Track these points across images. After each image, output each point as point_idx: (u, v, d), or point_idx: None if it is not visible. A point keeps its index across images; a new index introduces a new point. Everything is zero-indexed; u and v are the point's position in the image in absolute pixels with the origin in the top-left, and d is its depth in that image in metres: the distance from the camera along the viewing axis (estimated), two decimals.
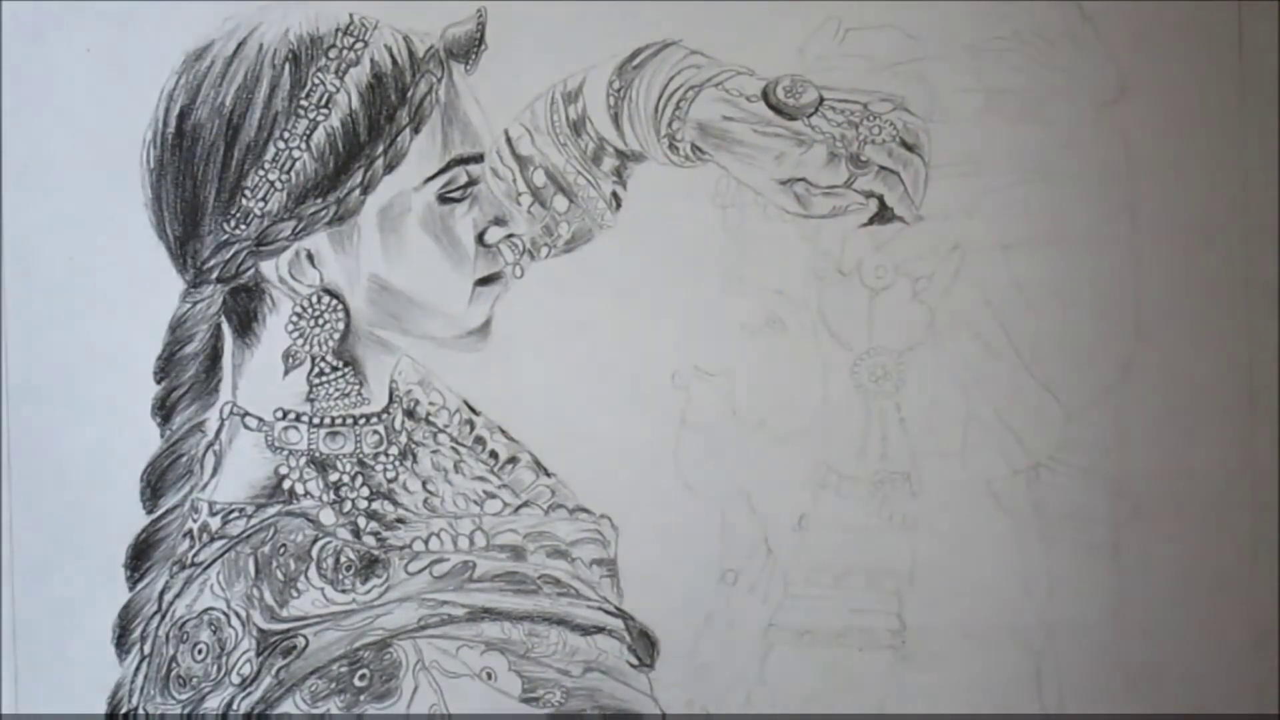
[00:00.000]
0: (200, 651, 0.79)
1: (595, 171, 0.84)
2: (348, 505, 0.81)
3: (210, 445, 0.82)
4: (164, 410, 0.82)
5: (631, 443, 0.83)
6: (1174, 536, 0.86)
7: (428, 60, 0.80)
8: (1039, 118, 0.84)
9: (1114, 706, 0.85)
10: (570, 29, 0.84)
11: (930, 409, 0.83)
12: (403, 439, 0.83)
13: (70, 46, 0.83)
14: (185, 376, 0.81)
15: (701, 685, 0.83)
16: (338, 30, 0.80)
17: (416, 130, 0.79)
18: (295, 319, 0.80)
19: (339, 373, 0.81)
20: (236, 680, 0.78)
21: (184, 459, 0.82)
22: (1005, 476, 0.86)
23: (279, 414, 0.81)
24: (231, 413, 0.82)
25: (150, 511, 0.82)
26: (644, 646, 0.83)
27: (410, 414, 0.85)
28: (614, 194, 0.85)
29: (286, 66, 0.79)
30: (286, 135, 0.78)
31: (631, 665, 0.82)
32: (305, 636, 0.78)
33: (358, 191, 0.79)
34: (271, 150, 0.78)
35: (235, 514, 0.81)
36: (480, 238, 0.82)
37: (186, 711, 0.79)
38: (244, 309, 0.81)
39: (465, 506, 0.83)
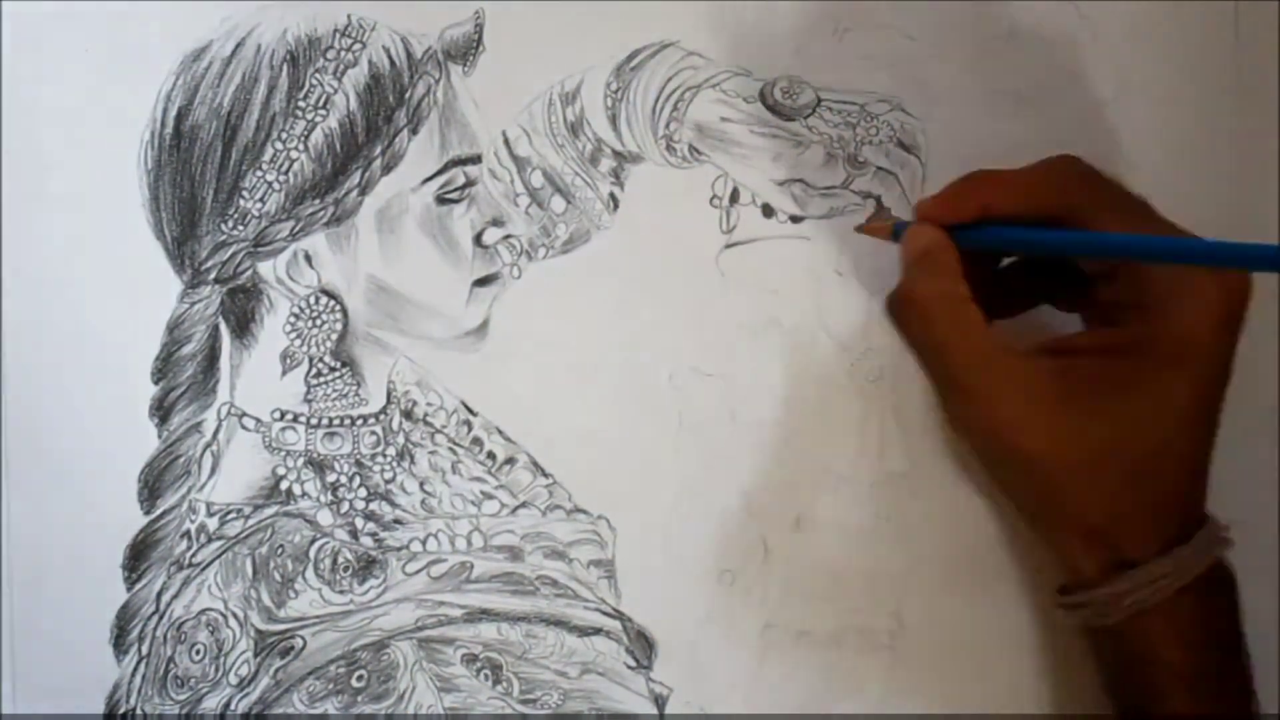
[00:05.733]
0: (198, 652, 0.79)
1: (593, 172, 0.84)
2: (345, 506, 0.81)
3: (208, 446, 0.82)
4: (161, 411, 0.82)
5: (629, 443, 0.83)
6: None
7: (425, 62, 0.80)
8: (1036, 118, 0.83)
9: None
10: (568, 30, 0.83)
11: (928, 410, 0.83)
12: (400, 440, 0.83)
13: (69, 46, 0.82)
14: (183, 377, 0.81)
15: (699, 686, 0.83)
16: (335, 31, 0.80)
17: (414, 131, 0.79)
18: (293, 320, 0.80)
19: (337, 373, 0.81)
20: (234, 681, 0.78)
21: (181, 460, 0.82)
22: None
23: (277, 415, 0.81)
24: (229, 413, 0.82)
25: (148, 512, 0.82)
26: (641, 648, 0.83)
27: (408, 415, 0.85)
28: (611, 195, 0.85)
29: (284, 67, 0.79)
30: (284, 136, 0.78)
31: (629, 667, 0.82)
32: (303, 637, 0.78)
33: (355, 192, 0.79)
34: (269, 151, 0.78)
35: (233, 515, 0.81)
36: (478, 239, 0.82)
37: (184, 712, 0.79)
38: (241, 310, 0.81)
39: (463, 507, 0.83)
